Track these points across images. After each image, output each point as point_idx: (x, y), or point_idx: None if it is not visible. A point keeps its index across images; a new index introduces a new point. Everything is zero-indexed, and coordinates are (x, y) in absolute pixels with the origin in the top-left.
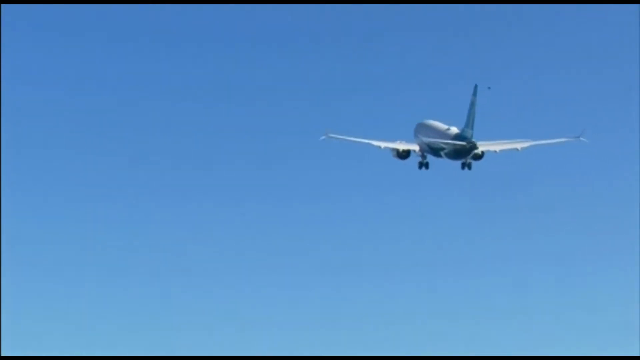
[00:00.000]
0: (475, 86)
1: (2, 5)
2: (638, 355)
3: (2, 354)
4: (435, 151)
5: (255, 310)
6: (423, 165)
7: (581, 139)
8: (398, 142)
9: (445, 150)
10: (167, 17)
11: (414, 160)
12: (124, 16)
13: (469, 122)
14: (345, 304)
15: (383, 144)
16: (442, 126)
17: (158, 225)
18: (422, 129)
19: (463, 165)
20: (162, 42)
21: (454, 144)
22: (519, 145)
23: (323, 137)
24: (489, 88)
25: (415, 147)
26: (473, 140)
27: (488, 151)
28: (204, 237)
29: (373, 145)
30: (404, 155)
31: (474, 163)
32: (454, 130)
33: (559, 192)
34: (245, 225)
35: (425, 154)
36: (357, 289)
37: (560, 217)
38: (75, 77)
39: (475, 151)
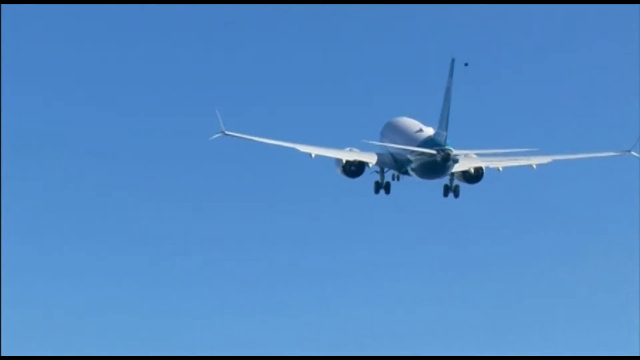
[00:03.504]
0: (452, 61)
1: (2, 5)
2: (638, 355)
3: (2, 354)
4: (401, 165)
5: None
6: (382, 187)
7: (632, 153)
8: (348, 149)
9: (412, 165)
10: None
11: (370, 179)
12: (124, 16)
13: (443, 120)
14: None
15: (316, 151)
16: (414, 126)
17: (158, 225)
18: (389, 131)
19: (446, 190)
20: (168, 42)
21: (421, 153)
22: (534, 160)
23: (216, 135)
24: (467, 65)
25: (371, 159)
26: (447, 147)
27: (488, 168)
28: (202, 238)
29: (300, 152)
30: (354, 169)
31: (465, 187)
32: (428, 132)
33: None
34: None
35: (385, 168)
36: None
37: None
38: (76, 78)
39: (460, 167)
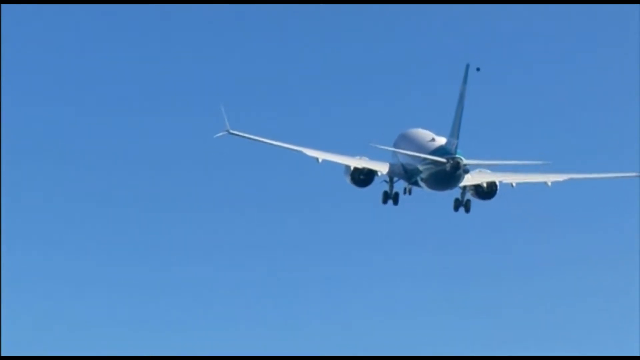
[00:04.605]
0: (467, 67)
1: (2, 5)
2: (638, 355)
3: (2, 354)
4: (411, 175)
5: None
6: (390, 197)
7: None
8: (358, 158)
9: (422, 175)
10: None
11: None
12: (125, 16)
13: (455, 128)
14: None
15: (324, 156)
16: (426, 136)
17: (157, 226)
18: (401, 141)
19: (457, 204)
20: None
21: (431, 162)
22: (549, 177)
23: (221, 133)
24: (479, 70)
25: (382, 168)
26: (458, 156)
27: (501, 183)
28: (200, 241)
29: (307, 156)
30: (363, 178)
31: (477, 202)
32: (440, 141)
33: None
34: None
35: (395, 178)
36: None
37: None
38: (76, 78)
39: (473, 181)
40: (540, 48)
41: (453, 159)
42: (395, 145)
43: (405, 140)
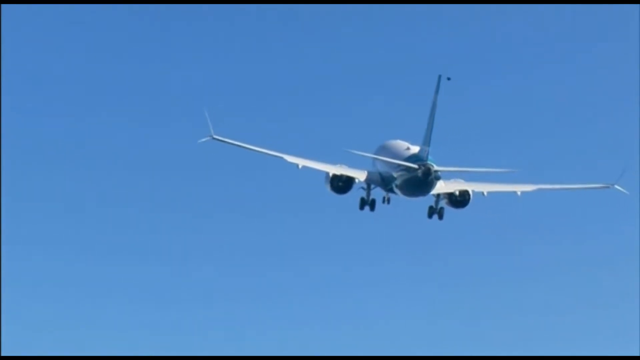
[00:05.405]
0: (439, 78)
1: (2, 5)
2: (638, 355)
3: (2, 354)
4: (387, 182)
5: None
6: (367, 203)
7: (616, 187)
8: (338, 165)
9: (396, 181)
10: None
11: (357, 196)
12: (120, 17)
13: (427, 136)
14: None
15: (304, 162)
16: (402, 146)
17: (157, 227)
18: (381, 151)
19: (431, 211)
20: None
21: (404, 168)
22: (519, 187)
23: (205, 138)
24: (449, 79)
25: (360, 175)
26: (429, 162)
27: (474, 192)
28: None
29: (287, 162)
30: (341, 185)
31: (451, 211)
32: (414, 150)
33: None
34: None
35: (372, 185)
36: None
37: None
38: (75, 78)
39: (446, 189)
40: (537, 49)
41: (424, 165)
42: (376, 155)
43: (384, 151)
